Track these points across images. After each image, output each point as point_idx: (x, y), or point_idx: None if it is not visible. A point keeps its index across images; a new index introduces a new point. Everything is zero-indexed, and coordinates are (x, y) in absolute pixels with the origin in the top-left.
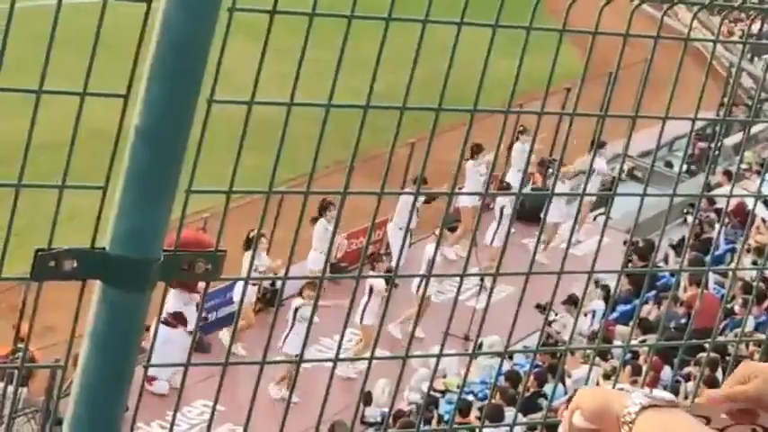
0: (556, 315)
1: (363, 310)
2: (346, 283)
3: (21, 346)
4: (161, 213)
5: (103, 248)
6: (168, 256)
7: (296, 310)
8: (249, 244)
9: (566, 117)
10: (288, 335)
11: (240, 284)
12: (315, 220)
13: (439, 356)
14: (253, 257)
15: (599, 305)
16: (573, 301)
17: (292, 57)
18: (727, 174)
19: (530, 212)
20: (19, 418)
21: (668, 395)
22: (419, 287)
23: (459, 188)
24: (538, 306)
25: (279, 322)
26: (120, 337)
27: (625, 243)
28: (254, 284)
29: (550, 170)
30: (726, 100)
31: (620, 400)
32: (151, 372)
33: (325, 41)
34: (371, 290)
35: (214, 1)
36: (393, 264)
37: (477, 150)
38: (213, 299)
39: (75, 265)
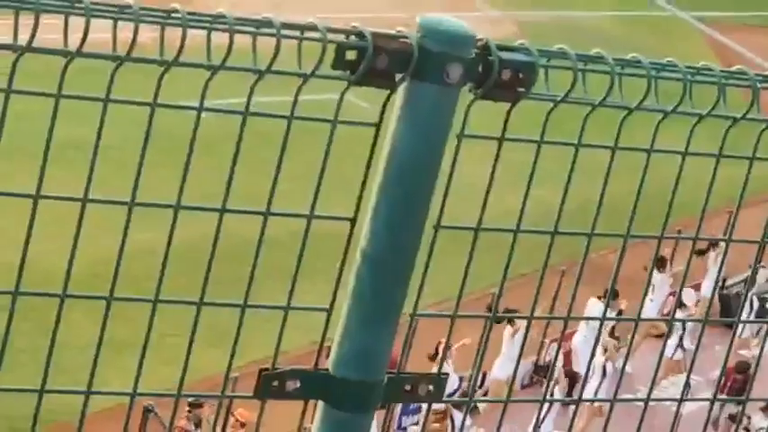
0: None
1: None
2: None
3: None
4: (385, 336)
5: (327, 369)
6: (391, 378)
7: None
8: (435, 356)
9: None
10: None
11: None
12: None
13: None
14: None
15: None
16: None
17: (525, 172)
18: None
19: None
20: None
21: None
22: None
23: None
24: None
25: None
26: None
27: None
28: None
29: None
30: None
31: None
32: None
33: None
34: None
35: (444, 127)
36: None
37: (662, 264)
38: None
39: (297, 385)
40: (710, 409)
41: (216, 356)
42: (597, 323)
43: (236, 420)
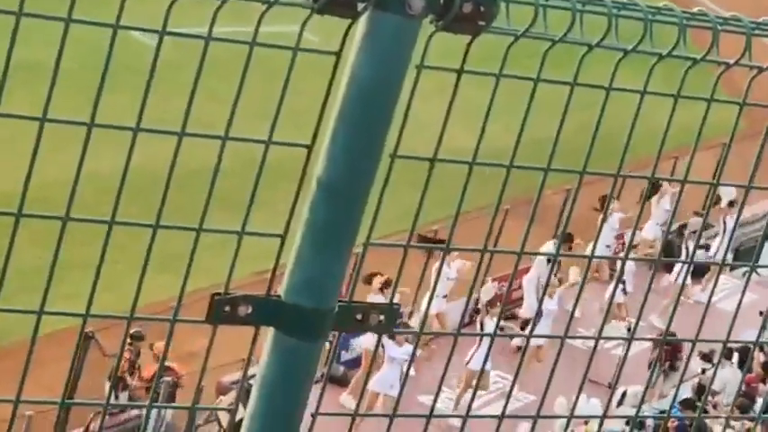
0: (703, 372)
1: (471, 355)
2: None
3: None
4: (338, 264)
5: (279, 296)
6: (343, 307)
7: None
8: (369, 280)
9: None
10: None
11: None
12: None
13: (536, 418)
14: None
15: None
16: (708, 358)
17: (479, 106)
18: None
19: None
20: None
21: None
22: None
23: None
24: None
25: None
26: (292, 385)
27: None
28: None
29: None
30: None
31: None
32: None
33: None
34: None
35: (403, 57)
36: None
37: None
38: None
39: (249, 311)
40: (659, 349)
41: (160, 283)
42: (543, 265)
43: (154, 354)
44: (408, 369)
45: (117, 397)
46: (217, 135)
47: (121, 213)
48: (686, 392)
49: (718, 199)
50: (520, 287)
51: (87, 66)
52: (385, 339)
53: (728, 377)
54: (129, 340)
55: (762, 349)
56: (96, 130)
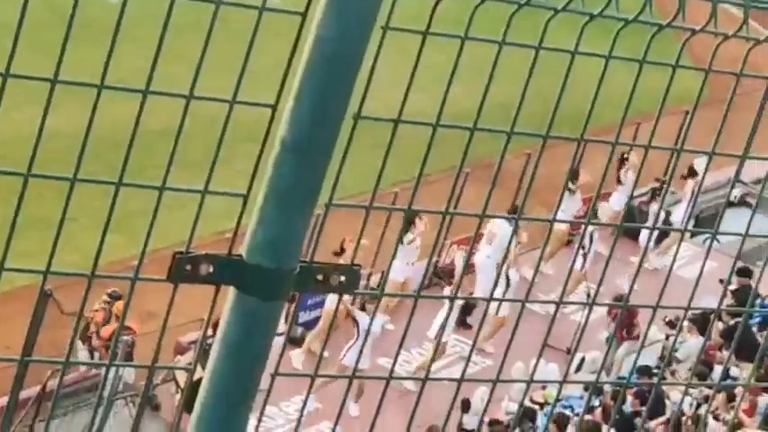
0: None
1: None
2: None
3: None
4: (300, 225)
5: (240, 256)
6: (304, 267)
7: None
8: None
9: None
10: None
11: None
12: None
13: (494, 382)
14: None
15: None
16: (673, 325)
17: (439, 72)
18: None
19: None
20: (118, 401)
21: None
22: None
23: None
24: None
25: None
26: (251, 344)
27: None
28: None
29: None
30: None
31: None
32: None
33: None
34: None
35: (369, 18)
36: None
37: (575, 175)
38: (312, 297)
39: (211, 270)
40: (617, 315)
41: (117, 241)
42: (504, 243)
43: (115, 315)
44: (368, 331)
45: (76, 356)
46: (181, 94)
47: (81, 172)
48: (647, 360)
49: (692, 170)
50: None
51: (48, 23)
52: (357, 313)
53: (693, 348)
54: (107, 299)
55: (720, 318)
56: (57, 87)
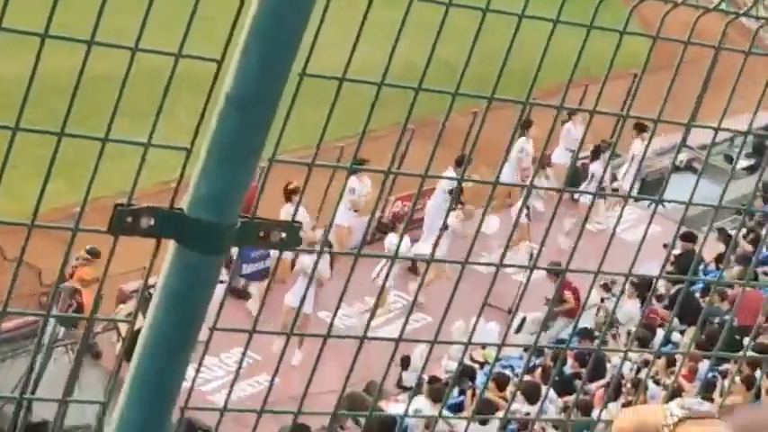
0: (602, 301)
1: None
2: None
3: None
4: (243, 180)
5: (182, 209)
6: (245, 223)
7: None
8: (289, 196)
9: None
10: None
11: None
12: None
13: (433, 343)
14: (295, 213)
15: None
16: (608, 288)
17: (386, 30)
18: None
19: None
20: (58, 348)
21: (705, 405)
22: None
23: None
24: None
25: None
26: (191, 297)
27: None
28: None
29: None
30: None
31: (655, 414)
32: None
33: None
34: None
35: None
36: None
37: (526, 125)
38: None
39: (152, 222)
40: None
41: (57, 189)
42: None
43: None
44: (309, 283)
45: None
46: (127, 46)
47: (22, 120)
48: (587, 322)
49: (641, 126)
50: (423, 207)
51: None
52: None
53: (633, 312)
54: (86, 255)
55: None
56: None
